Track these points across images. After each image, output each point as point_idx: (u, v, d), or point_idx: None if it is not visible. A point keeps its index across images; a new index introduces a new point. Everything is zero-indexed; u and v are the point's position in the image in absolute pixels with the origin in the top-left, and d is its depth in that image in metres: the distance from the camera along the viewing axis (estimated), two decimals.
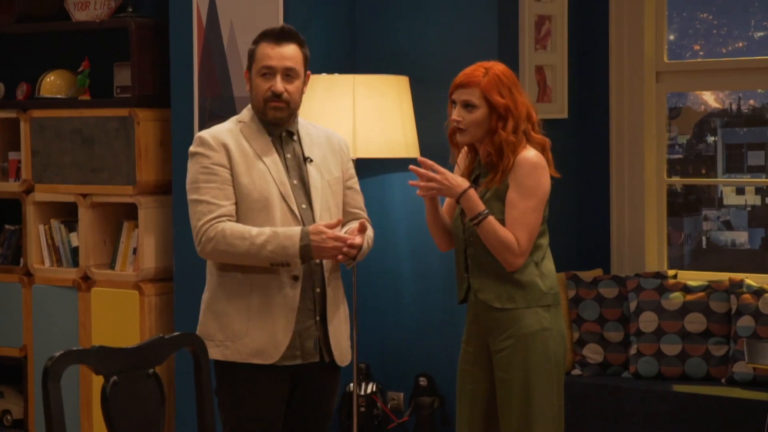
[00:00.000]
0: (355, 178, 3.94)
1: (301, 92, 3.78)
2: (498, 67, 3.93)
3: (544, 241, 3.95)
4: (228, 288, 3.74)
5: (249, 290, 3.70)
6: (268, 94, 3.71)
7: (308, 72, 3.82)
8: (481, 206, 3.80)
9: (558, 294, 3.92)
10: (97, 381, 5.74)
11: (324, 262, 3.72)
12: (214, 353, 3.70)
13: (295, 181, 3.75)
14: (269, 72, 3.72)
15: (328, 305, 3.74)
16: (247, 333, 3.69)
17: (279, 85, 3.70)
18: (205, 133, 3.78)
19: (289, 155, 3.77)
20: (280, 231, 3.63)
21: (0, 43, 6.19)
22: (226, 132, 3.77)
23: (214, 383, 3.74)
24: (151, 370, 3.09)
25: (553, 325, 3.85)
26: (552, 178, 3.91)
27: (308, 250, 3.61)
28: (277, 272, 3.67)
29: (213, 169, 3.70)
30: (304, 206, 3.73)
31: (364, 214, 3.92)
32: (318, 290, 3.73)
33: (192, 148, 3.78)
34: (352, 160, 3.99)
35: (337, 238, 3.62)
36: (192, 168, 3.75)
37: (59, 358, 2.90)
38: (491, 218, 3.80)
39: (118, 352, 3.05)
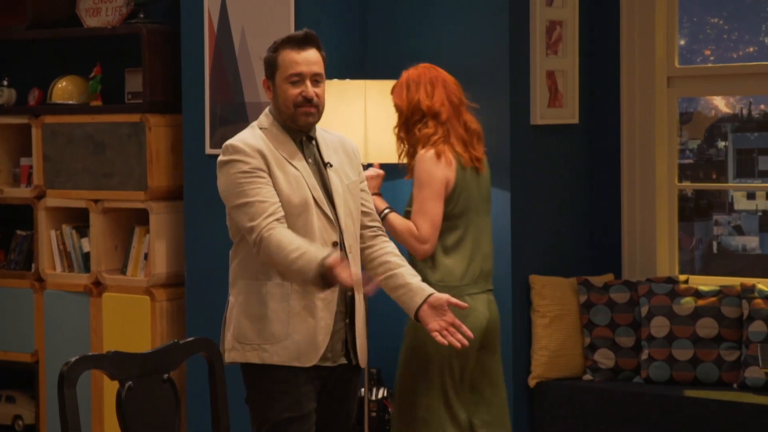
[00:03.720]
0: (366, 181, 3.99)
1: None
2: (411, 70, 4.39)
3: (453, 236, 4.20)
4: (265, 292, 3.71)
5: (289, 294, 3.69)
6: (299, 99, 3.70)
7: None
8: (384, 205, 4.30)
9: (455, 288, 4.13)
10: (109, 386, 5.73)
11: (351, 264, 3.73)
12: (251, 356, 3.70)
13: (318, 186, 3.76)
14: (299, 79, 3.71)
15: (356, 308, 3.78)
16: (288, 335, 3.69)
17: (310, 90, 3.71)
18: (236, 141, 3.72)
19: (310, 160, 3.78)
20: (307, 253, 3.57)
21: (12, 49, 6.21)
22: (256, 138, 3.73)
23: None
24: (165, 375, 3.10)
25: None
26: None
27: (323, 281, 3.55)
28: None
29: (255, 173, 3.65)
30: (333, 210, 3.76)
31: (376, 215, 3.96)
32: (350, 293, 3.76)
33: (223, 157, 3.71)
34: (363, 165, 4.04)
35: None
36: (227, 175, 3.68)
37: (75, 363, 2.91)
38: (392, 213, 4.28)
39: (133, 358, 3.06)
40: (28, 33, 5.92)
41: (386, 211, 4.29)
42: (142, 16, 5.69)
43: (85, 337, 5.71)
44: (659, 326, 4.99)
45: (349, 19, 5.37)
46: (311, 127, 3.78)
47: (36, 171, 5.87)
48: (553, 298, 5.13)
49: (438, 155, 4.19)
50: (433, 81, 4.35)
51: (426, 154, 4.21)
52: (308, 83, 3.71)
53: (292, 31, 5.09)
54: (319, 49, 3.77)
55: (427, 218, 4.16)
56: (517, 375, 5.12)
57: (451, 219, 4.21)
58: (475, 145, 4.35)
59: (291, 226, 3.66)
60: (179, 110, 5.55)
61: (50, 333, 5.84)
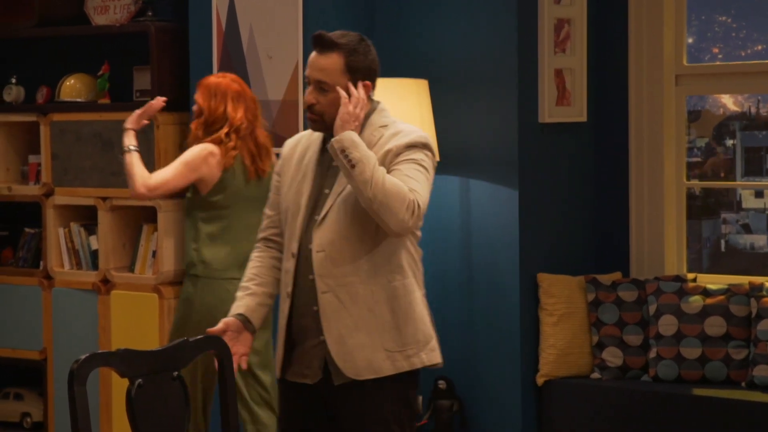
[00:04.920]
0: (403, 161, 3.51)
1: (349, 104, 3.49)
2: (219, 78, 4.85)
3: (217, 226, 4.79)
4: None
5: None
6: (306, 104, 3.59)
7: (364, 82, 3.56)
8: (129, 142, 4.82)
9: (216, 271, 4.79)
10: (117, 383, 5.72)
11: (317, 280, 3.54)
12: None
13: (326, 191, 3.58)
14: (308, 82, 3.58)
15: (323, 323, 3.55)
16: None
17: (308, 96, 3.55)
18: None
19: (335, 164, 3.54)
20: (236, 300, 3.70)
21: (20, 47, 6.22)
22: (297, 138, 3.72)
23: None
24: (175, 373, 3.10)
25: (195, 297, 4.80)
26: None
27: None
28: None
29: (275, 178, 3.73)
30: (316, 217, 3.57)
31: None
32: (315, 308, 3.57)
33: None
34: None
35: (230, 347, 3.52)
36: None
37: (85, 360, 2.91)
38: (136, 154, 4.77)
39: (143, 355, 3.06)
40: (36, 31, 5.92)
41: (131, 148, 4.77)
42: (150, 14, 5.69)
43: (94, 335, 5.72)
44: (667, 324, 4.99)
45: (357, 16, 5.37)
46: (323, 132, 3.58)
47: (44, 169, 5.88)
48: (561, 297, 5.13)
49: (212, 155, 4.74)
50: (239, 97, 4.82)
51: (207, 148, 4.75)
52: (310, 89, 3.55)
53: (299, 29, 5.11)
54: (343, 54, 3.53)
55: (166, 176, 4.73)
56: (524, 373, 5.12)
57: (215, 209, 4.78)
58: (263, 158, 4.86)
59: (285, 230, 3.66)
60: (187, 108, 5.55)
61: (58, 331, 5.85)
